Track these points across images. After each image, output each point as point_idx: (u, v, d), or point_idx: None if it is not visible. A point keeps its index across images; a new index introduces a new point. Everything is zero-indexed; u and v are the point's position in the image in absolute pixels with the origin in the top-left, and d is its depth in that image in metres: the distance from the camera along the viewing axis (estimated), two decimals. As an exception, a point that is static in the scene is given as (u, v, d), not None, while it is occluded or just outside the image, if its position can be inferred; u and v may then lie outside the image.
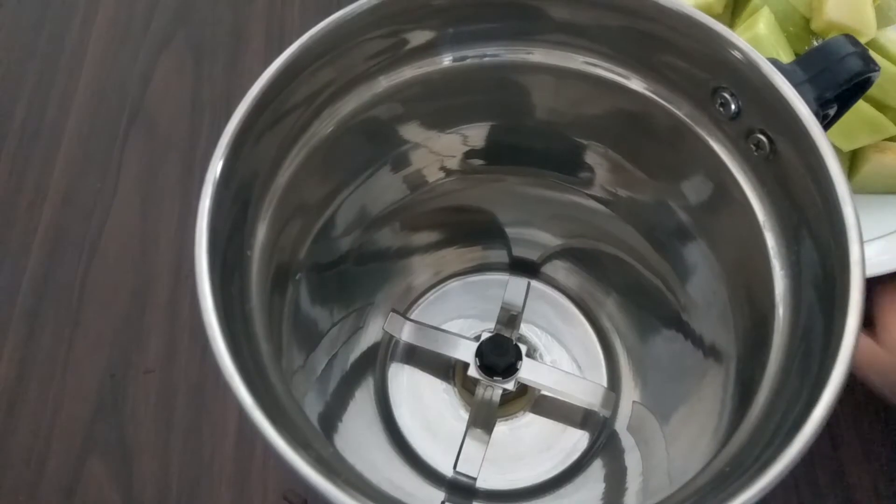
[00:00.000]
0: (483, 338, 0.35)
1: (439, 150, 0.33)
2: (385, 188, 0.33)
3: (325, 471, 0.19)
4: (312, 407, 0.29)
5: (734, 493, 0.19)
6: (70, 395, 0.37)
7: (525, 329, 0.37)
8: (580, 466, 0.34)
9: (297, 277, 0.29)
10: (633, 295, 0.36)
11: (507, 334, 0.35)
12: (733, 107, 0.26)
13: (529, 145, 0.33)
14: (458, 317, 0.37)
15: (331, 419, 0.32)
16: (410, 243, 0.37)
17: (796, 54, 0.36)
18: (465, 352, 0.34)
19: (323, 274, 0.32)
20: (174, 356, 0.38)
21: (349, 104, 0.29)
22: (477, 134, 0.33)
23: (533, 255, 0.38)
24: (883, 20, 0.37)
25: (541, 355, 0.36)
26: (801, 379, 0.22)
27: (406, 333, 0.35)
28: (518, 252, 0.38)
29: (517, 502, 0.34)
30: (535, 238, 0.38)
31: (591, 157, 0.32)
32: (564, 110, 0.31)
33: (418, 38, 0.29)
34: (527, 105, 0.31)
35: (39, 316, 0.39)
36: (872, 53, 0.25)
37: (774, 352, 0.25)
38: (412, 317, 0.37)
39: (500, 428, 0.35)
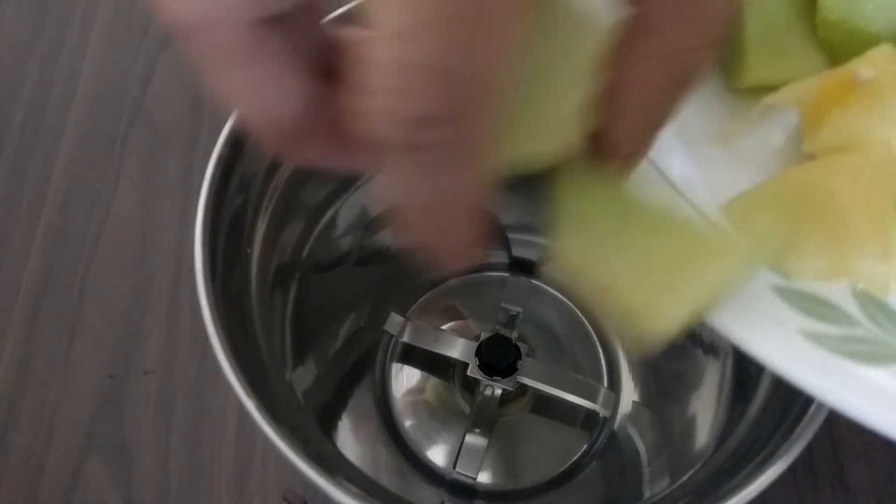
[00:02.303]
0: (483, 338, 0.35)
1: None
2: (385, 188, 0.33)
3: (325, 469, 0.19)
4: (312, 406, 0.29)
5: (733, 490, 0.19)
6: (70, 395, 0.37)
7: (525, 329, 0.37)
8: (580, 466, 0.34)
9: (298, 276, 0.29)
10: (633, 294, 0.36)
11: (506, 334, 0.35)
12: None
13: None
14: (458, 317, 0.37)
15: (331, 418, 0.32)
16: (410, 243, 0.37)
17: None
18: (465, 352, 0.34)
19: (323, 273, 0.32)
20: (174, 356, 0.38)
21: (349, 103, 0.29)
22: (476, 133, 0.33)
23: (533, 256, 0.38)
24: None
25: (540, 355, 0.36)
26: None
27: (406, 333, 0.35)
28: (518, 252, 0.38)
29: (517, 502, 0.34)
30: (535, 238, 0.38)
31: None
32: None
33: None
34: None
35: (39, 316, 0.39)
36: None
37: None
38: (412, 317, 0.37)
39: (500, 428, 0.35)
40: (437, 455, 0.34)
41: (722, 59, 0.21)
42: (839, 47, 0.20)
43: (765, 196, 0.18)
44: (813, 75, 0.19)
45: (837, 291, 0.17)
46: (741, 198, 0.18)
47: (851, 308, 0.17)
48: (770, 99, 0.19)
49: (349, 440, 0.32)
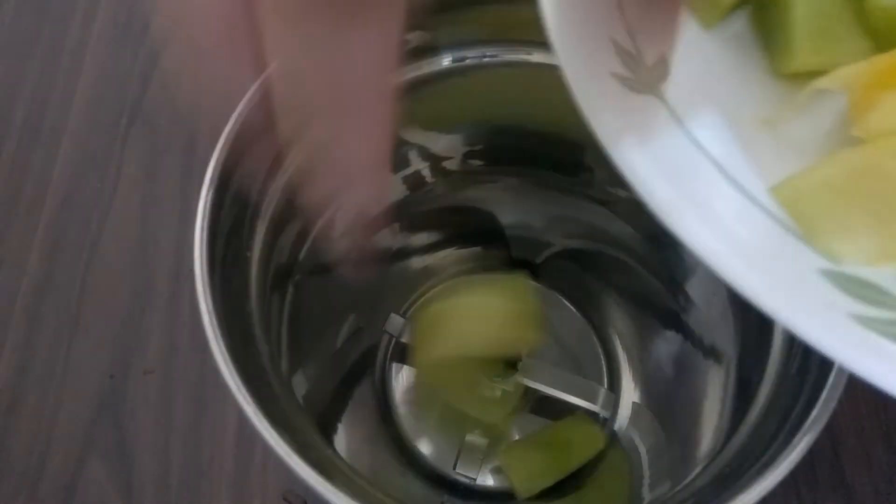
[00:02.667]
0: (483, 338, 0.35)
1: (438, 151, 0.33)
2: (384, 189, 0.33)
3: (325, 472, 0.19)
4: (312, 408, 0.29)
5: (734, 494, 0.19)
6: (70, 395, 0.37)
7: (525, 329, 0.37)
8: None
9: (296, 278, 0.29)
10: (633, 296, 0.36)
11: (506, 335, 0.35)
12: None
13: (529, 146, 0.33)
14: (458, 317, 0.37)
15: (330, 420, 0.32)
16: (410, 244, 0.37)
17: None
18: (465, 352, 0.34)
19: (322, 274, 0.32)
20: (174, 356, 0.38)
21: (349, 104, 0.29)
22: (477, 134, 0.33)
23: (532, 256, 0.38)
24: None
25: (540, 356, 0.36)
26: (801, 379, 0.22)
27: (405, 334, 0.35)
28: (517, 253, 0.38)
29: (516, 502, 0.34)
30: (534, 239, 0.38)
31: (590, 158, 0.32)
32: (564, 111, 0.31)
33: (417, 38, 0.29)
34: (526, 105, 0.31)
35: (39, 316, 0.39)
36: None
37: (774, 352, 0.25)
38: (412, 317, 0.37)
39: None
40: (437, 455, 0.34)
41: (768, 44, 0.21)
42: (888, 33, 0.20)
43: (815, 178, 0.18)
44: (861, 60, 0.19)
45: (885, 275, 0.17)
46: (791, 181, 0.18)
47: None
48: (818, 83, 0.19)
49: (349, 441, 0.32)
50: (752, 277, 0.16)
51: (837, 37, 0.20)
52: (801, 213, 0.18)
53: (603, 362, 0.36)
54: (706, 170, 0.18)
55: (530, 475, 0.32)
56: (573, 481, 0.32)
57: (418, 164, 0.33)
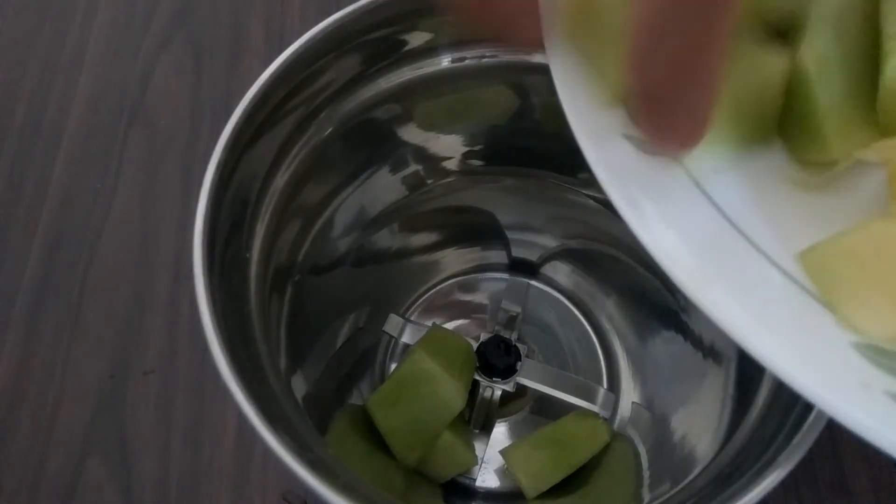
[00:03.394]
0: (482, 339, 0.35)
1: (438, 151, 0.33)
2: (384, 189, 0.33)
3: (324, 473, 0.19)
4: (311, 408, 0.29)
5: (734, 494, 0.19)
6: (70, 395, 0.37)
7: (524, 330, 0.37)
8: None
9: (295, 279, 0.29)
10: (633, 295, 0.36)
11: (506, 335, 0.35)
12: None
13: (529, 146, 0.33)
14: (457, 318, 0.37)
15: (330, 421, 0.32)
16: (409, 244, 0.37)
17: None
18: (465, 353, 0.34)
19: (322, 275, 0.32)
20: (174, 356, 0.38)
21: (348, 105, 0.29)
22: (476, 134, 0.33)
23: (532, 256, 0.38)
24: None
25: (540, 356, 0.36)
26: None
27: (405, 335, 0.35)
28: (517, 253, 0.38)
29: (517, 502, 0.34)
30: (534, 239, 0.38)
31: (590, 158, 0.32)
32: (563, 111, 0.31)
33: (417, 39, 0.29)
34: (526, 105, 0.31)
35: (39, 316, 0.39)
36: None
37: (774, 352, 0.25)
38: (411, 318, 0.37)
39: (500, 428, 0.35)
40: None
41: (787, 130, 0.20)
42: None
43: (840, 246, 0.17)
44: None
45: None
46: (818, 247, 0.17)
47: None
48: (858, 155, 0.18)
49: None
50: (784, 355, 0.15)
51: (860, 124, 0.19)
52: (824, 281, 0.17)
53: (602, 362, 0.36)
54: (731, 237, 0.17)
55: (537, 472, 0.31)
56: (578, 476, 0.32)
57: (417, 165, 0.33)
